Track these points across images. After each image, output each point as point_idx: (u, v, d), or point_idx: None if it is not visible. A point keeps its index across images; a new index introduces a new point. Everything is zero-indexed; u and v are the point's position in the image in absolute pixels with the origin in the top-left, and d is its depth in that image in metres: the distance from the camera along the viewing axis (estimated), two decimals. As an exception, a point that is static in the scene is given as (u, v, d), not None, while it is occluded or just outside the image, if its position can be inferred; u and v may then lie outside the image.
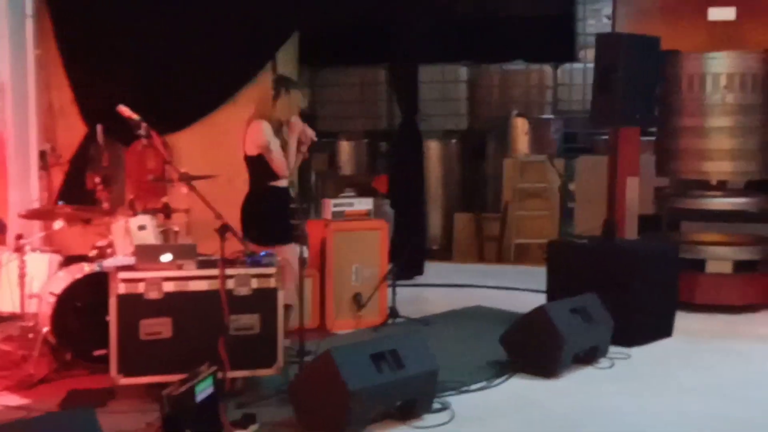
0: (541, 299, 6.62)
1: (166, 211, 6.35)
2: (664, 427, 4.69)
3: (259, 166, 5.47)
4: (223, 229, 4.47)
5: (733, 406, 5.00)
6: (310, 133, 5.72)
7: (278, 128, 5.53)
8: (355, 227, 6.77)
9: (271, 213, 5.49)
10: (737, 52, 7.39)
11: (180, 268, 4.88)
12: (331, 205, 6.77)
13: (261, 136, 5.40)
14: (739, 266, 7.42)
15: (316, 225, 6.72)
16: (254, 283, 4.96)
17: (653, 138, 8.12)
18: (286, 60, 8.12)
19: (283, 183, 5.54)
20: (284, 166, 5.47)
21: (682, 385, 5.42)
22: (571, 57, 11.21)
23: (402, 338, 4.91)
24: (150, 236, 5.65)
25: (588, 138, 10.82)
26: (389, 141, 9.71)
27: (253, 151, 5.45)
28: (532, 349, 5.53)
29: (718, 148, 7.45)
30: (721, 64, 7.39)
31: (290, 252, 5.36)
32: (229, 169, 6.93)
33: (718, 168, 7.51)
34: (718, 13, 7.32)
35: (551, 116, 10.80)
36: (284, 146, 5.52)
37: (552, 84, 11.00)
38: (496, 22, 11.14)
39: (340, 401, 4.34)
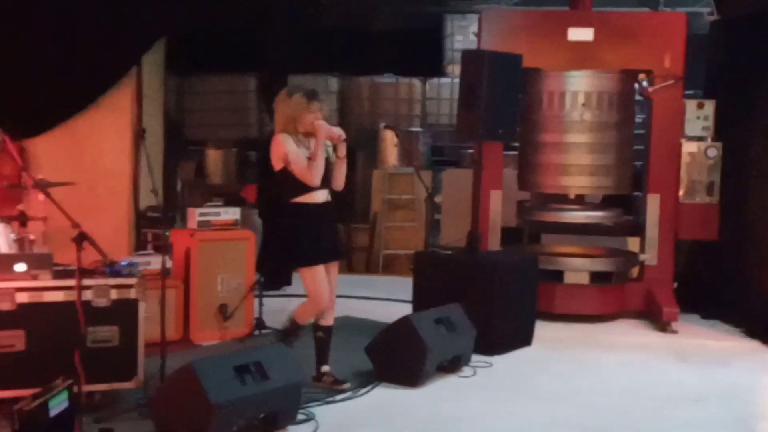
0: (407, 309, 6.70)
1: (22, 219, 6.10)
2: (522, 434, 4.83)
3: (286, 182, 5.20)
4: (80, 238, 4.32)
5: (583, 412, 5.19)
6: (337, 133, 5.31)
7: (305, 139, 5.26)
8: (221, 237, 6.68)
9: (291, 232, 5.25)
10: (595, 72, 7.72)
11: (35, 278, 4.70)
12: (197, 215, 6.66)
13: (279, 147, 5.16)
14: (595, 277, 7.73)
15: (181, 234, 6.60)
16: (113, 294, 4.82)
17: (516, 153, 8.38)
18: (152, 66, 7.96)
19: (316, 198, 5.23)
20: (310, 174, 5.12)
21: (539, 392, 5.60)
22: (440, 72, 11.45)
23: (267, 350, 4.89)
24: (3, 245, 5.41)
25: (455, 151, 11.06)
26: (259, 150, 9.64)
27: (277, 165, 5.20)
28: (397, 358, 5.59)
29: (577, 163, 7.74)
30: (579, 82, 7.70)
31: (316, 275, 5.25)
32: (90, 177, 6.73)
33: (577, 182, 7.80)
34: (578, 34, 7.61)
35: (419, 129, 10.98)
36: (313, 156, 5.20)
37: (420, 98, 11.19)
38: (367, 35, 11.26)
39: (202, 415, 4.26)
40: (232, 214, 6.82)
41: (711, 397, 5.58)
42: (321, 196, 5.25)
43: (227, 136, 10.82)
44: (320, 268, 5.27)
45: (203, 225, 6.65)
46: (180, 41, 8.25)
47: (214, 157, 10.66)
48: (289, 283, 8.77)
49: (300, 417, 4.83)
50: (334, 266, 5.45)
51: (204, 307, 6.57)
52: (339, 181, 5.36)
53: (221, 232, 6.70)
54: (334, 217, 5.48)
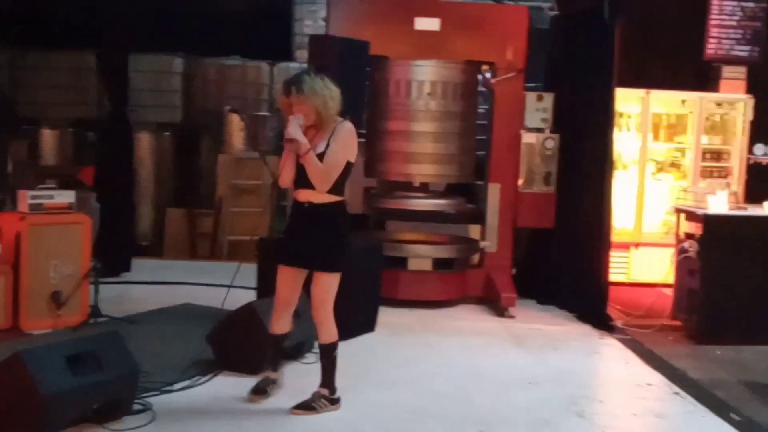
0: (252, 296, 6.62)
1: None
2: (366, 418, 4.86)
3: None
4: None
5: (424, 397, 5.29)
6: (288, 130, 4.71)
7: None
8: (54, 221, 6.38)
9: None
10: (440, 62, 7.84)
11: None
12: (28, 197, 6.33)
13: None
14: (438, 264, 7.88)
15: (10, 218, 6.27)
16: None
17: (363, 140, 8.39)
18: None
19: (298, 196, 4.83)
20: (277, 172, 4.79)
21: (382, 377, 5.66)
22: (289, 56, 11.34)
23: (101, 339, 4.71)
24: None
25: (303, 137, 10.96)
26: (97, 131, 9.26)
27: None
28: (239, 346, 5.51)
29: (422, 151, 7.85)
30: (425, 72, 7.80)
31: (278, 274, 4.94)
32: None
33: (421, 171, 7.91)
34: (424, 24, 7.70)
35: (267, 114, 10.85)
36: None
37: (268, 82, 11.06)
38: (215, 15, 11.00)
39: (32, 407, 4.08)
40: (67, 197, 6.53)
41: (546, 380, 5.80)
42: (301, 196, 4.81)
43: (64, 115, 10.33)
44: (282, 269, 4.96)
45: (35, 208, 6.33)
46: (12, 13, 7.80)
47: (49, 137, 10.17)
48: (128, 269, 8.49)
49: (136, 407, 4.68)
50: (316, 276, 4.89)
51: (35, 295, 6.27)
52: (312, 180, 4.72)
53: (54, 216, 6.40)
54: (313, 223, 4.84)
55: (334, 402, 4.95)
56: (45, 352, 4.34)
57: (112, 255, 7.92)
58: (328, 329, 4.91)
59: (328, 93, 4.71)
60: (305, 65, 7.79)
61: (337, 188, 4.76)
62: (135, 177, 9.25)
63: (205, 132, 10.74)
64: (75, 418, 4.37)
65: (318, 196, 4.76)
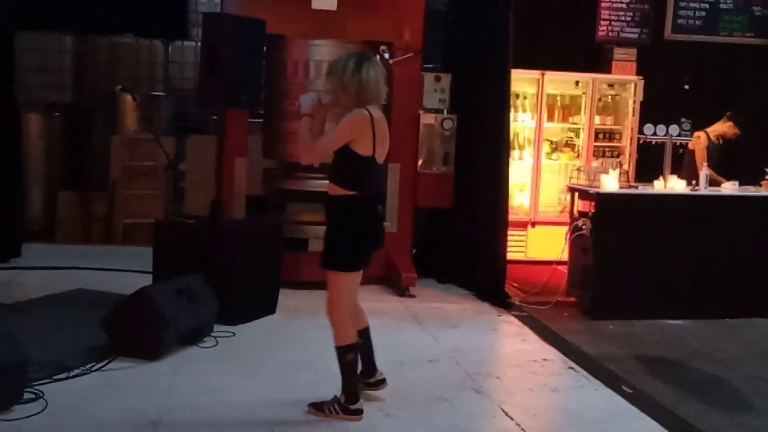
0: (149, 280, 6.47)
1: None
2: (257, 405, 4.81)
3: None
4: None
5: (323, 378, 5.22)
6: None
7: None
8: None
9: None
10: (338, 41, 7.77)
11: None
12: None
13: None
14: (338, 245, 7.84)
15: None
16: None
17: (261, 120, 8.30)
18: None
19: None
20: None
21: (280, 360, 5.63)
22: (184, 34, 11.09)
23: (-14, 327, 4.52)
24: None
25: (200, 117, 10.78)
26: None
27: None
28: (135, 331, 5.39)
29: (321, 132, 7.79)
30: (323, 51, 7.73)
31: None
32: None
33: (321, 151, 7.85)
34: (321, 3, 7.63)
35: (162, 93, 10.60)
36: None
37: (163, 61, 10.80)
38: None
39: None
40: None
41: (443, 357, 5.87)
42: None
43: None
44: None
45: None
46: None
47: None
48: (17, 254, 8.19)
49: (27, 396, 4.53)
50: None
51: None
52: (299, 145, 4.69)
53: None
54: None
55: (348, 411, 4.61)
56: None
57: (1, 239, 7.63)
58: (336, 330, 4.66)
59: (347, 77, 4.46)
60: (200, 44, 7.61)
61: (350, 181, 4.53)
62: (23, 159, 8.90)
63: (98, 112, 10.40)
64: (-40, 410, 4.21)
65: (331, 187, 4.61)
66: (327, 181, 7.02)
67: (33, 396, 4.57)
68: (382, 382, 4.97)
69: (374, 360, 4.96)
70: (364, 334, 4.89)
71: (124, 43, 10.59)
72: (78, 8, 10.24)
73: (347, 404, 4.61)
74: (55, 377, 4.90)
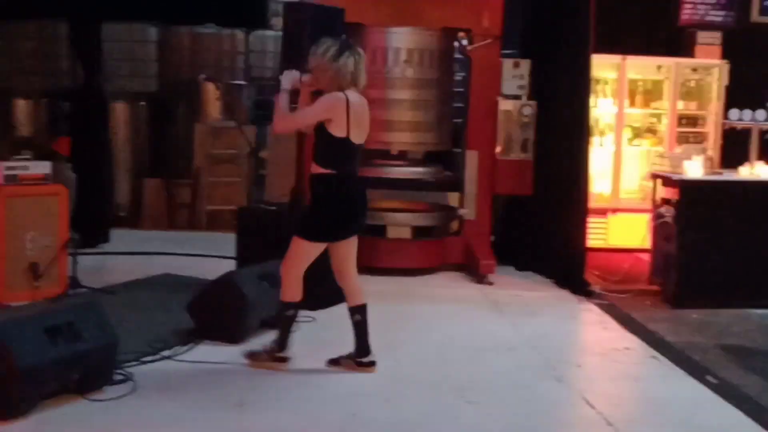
0: (232, 266, 6.61)
1: None
2: (344, 385, 4.90)
3: None
4: None
5: (402, 364, 5.33)
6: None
7: None
8: (30, 192, 6.33)
9: None
10: (417, 29, 7.80)
11: None
12: (3, 169, 6.27)
13: None
14: (417, 232, 7.89)
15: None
16: None
17: (340, 108, 8.36)
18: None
19: None
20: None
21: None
22: (264, 24, 11.22)
23: (80, 310, 4.69)
24: None
25: (280, 106, 10.88)
26: (70, 101, 9.15)
27: None
28: (219, 315, 5.51)
29: (399, 119, 7.83)
30: (402, 39, 7.76)
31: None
32: None
33: (399, 138, 7.90)
34: (401, -10, 7.66)
35: (243, 82, 10.76)
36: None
37: (244, 50, 10.95)
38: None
39: (9, 378, 4.08)
40: (42, 168, 6.47)
41: (523, 345, 5.85)
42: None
43: (37, 85, 10.19)
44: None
45: (10, 180, 6.28)
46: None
47: (22, 108, 10.04)
48: (106, 240, 8.45)
49: (117, 378, 4.68)
50: None
51: (12, 266, 6.23)
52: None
53: (30, 187, 6.35)
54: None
55: (276, 359, 5.05)
56: (22, 323, 4.33)
57: (90, 226, 7.89)
58: (285, 287, 5.04)
59: (326, 61, 4.80)
60: (280, 33, 7.71)
61: (325, 160, 4.86)
62: (111, 147, 9.16)
63: (181, 101, 10.63)
64: (55, 390, 4.36)
65: (312, 166, 4.91)
66: (404, 168, 7.24)
67: (122, 377, 4.72)
68: (372, 364, 5.12)
69: (368, 340, 5.13)
70: (361, 310, 5.13)
71: (206, 33, 10.77)
72: (161, 0, 10.46)
73: (277, 352, 5.07)
74: (142, 359, 5.05)
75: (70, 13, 8.44)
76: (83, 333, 4.40)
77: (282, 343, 5.07)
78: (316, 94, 4.94)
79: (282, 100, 4.91)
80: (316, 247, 5.00)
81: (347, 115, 4.77)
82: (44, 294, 6.34)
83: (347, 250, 5.11)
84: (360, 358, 5.10)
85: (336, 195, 4.90)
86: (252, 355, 5.12)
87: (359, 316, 5.10)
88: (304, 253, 4.98)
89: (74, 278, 6.53)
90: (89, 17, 8.26)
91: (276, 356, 5.07)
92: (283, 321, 5.07)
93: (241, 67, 10.90)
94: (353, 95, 4.82)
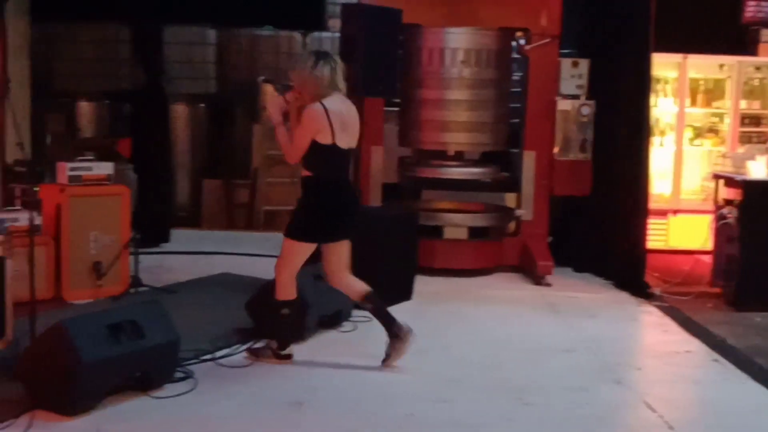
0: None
1: None
2: (399, 385, 4.90)
3: None
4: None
5: (457, 364, 5.32)
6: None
7: None
8: (93, 192, 6.46)
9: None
10: (474, 29, 7.77)
11: None
12: (67, 169, 6.41)
13: None
14: (473, 233, 7.86)
15: (50, 190, 6.34)
16: (-22, 252, 4.60)
17: (397, 108, 8.38)
18: (17, 15, 7.56)
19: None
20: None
21: (416, 345, 5.64)
22: (321, 26, 11.29)
23: (142, 308, 4.78)
24: None
25: (336, 107, 10.95)
26: (132, 103, 9.32)
27: None
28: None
29: (456, 120, 7.82)
30: (459, 39, 7.74)
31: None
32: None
33: (456, 139, 7.89)
34: (458, -10, 7.64)
35: (300, 84, 10.82)
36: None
37: (301, 51, 11.02)
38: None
39: (73, 374, 4.17)
40: (105, 168, 6.60)
41: (582, 347, 5.79)
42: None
43: (99, 87, 10.39)
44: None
45: (74, 180, 6.41)
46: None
47: (85, 110, 10.24)
48: (166, 239, 8.59)
49: (177, 375, 4.75)
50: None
51: (76, 265, 6.36)
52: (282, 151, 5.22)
53: (93, 188, 6.48)
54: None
55: (279, 356, 5.16)
56: (87, 320, 4.42)
57: (151, 225, 8.02)
58: (279, 286, 5.15)
59: (306, 73, 4.96)
60: (338, 34, 7.76)
61: (312, 165, 5.02)
62: (171, 148, 9.31)
63: (239, 103, 10.75)
64: (118, 386, 4.44)
65: (303, 170, 5.09)
66: (461, 169, 7.28)
67: (183, 375, 4.79)
68: (410, 331, 5.17)
69: (391, 315, 5.18)
70: (370, 297, 5.21)
71: (263, 35, 10.88)
72: (220, 2, 10.59)
73: (279, 350, 5.17)
74: (202, 357, 5.12)
75: (133, 17, 8.59)
76: (145, 331, 4.47)
77: (281, 340, 5.17)
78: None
79: (280, 136, 5.08)
80: (305, 247, 5.12)
81: (329, 123, 4.91)
82: (107, 292, 6.46)
83: (339, 253, 5.19)
84: (396, 334, 5.13)
85: (322, 198, 5.07)
86: (254, 351, 5.22)
87: (370, 304, 5.21)
88: (294, 253, 5.10)
89: (136, 277, 6.65)
90: (151, 20, 8.40)
91: (280, 354, 5.16)
92: (280, 319, 5.15)
93: (298, 68, 10.96)
94: (334, 102, 4.96)
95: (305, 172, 5.06)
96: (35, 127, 8.08)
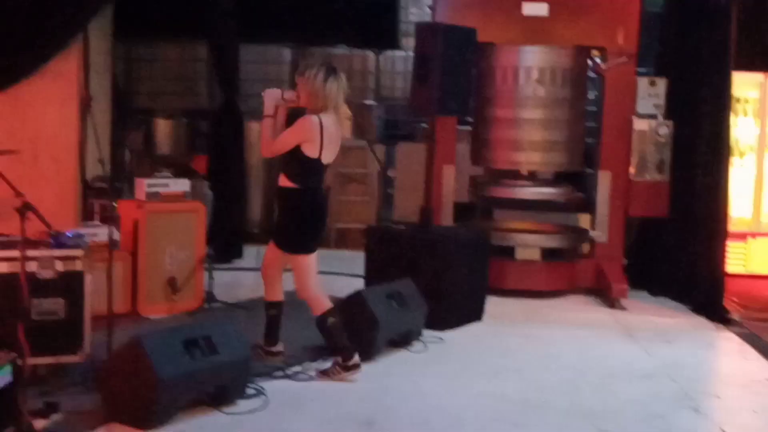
0: (359, 284, 6.67)
1: (-37, 188, 5.91)
2: (467, 408, 4.84)
3: None
4: (24, 208, 4.19)
5: (529, 387, 5.23)
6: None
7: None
8: (170, 209, 6.56)
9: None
10: (549, 47, 7.71)
11: (-24, 249, 4.56)
12: (145, 185, 6.52)
13: None
14: (546, 254, 7.77)
15: (129, 206, 6.46)
16: (59, 266, 4.72)
17: (469, 127, 8.35)
18: (100, 33, 7.76)
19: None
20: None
21: (487, 367, 5.62)
22: (394, 44, 11.35)
23: (216, 324, 4.84)
24: (-57, 215, 5.24)
25: (409, 125, 10.99)
26: (209, 120, 9.49)
27: None
28: (348, 333, 5.54)
29: (530, 139, 7.75)
30: (533, 58, 7.68)
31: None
32: (33, 146, 6.55)
33: (529, 158, 7.82)
34: (533, 9, 7.58)
35: (373, 102, 10.90)
36: None
37: (374, 70, 11.09)
38: (321, 4, 11.09)
39: (149, 389, 4.22)
40: (182, 185, 6.71)
41: (658, 373, 5.66)
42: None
43: (177, 105, 10.60)
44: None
45: (152, 196, 6.52)
46: (128, 7, 8.05)
47: (163, 127, 10.43)
48: (239, 256, 8.68)
49: (250, 392, 4.78)
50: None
51: (152, 280, 6.46)
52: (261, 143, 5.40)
53: (170, 204, 6.58)
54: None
55: (348, 369, 5.17)
56: (163, 336, 4.48)
57: (225, 242, 8.12)
58: (312, 303, 5.27)
59: (313, 82, 5.11)
60: (411, 53, 7.78)
61: (297, 176, 5.17)
62: (245, 165, 9.42)
63: (312, 121, 10.84)
64: (191, 401, 4.49)
65: (281, 179, 5.25)
66: (534, 189, 7.22)
67: (255, 392, 4.82)
68: (280, 353, 5.42)
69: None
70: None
71: (337, 53, 10.97)
72: (295, 22, 10.72)
73: (345, 362, 5.17)
74: (274, 374, 5.14)
75: (210, 36, 8.74)
76: (219, 347, 4.52)
77: (344, 351, 5.20)
78: (292, 111, 5.28)
79: (266, 127, 5.21)
80: (311, 257, 5.26)
81: (321, 137, 5.08)
82: (181, 307, 6.54)
83: (311, 263, 5.29)
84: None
85: (310, 208, 5.26)
86: (325, 372, 5.24)
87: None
88: (306, 266, 5.25)
89: (210, 293, 6.73)
90: (228, 39, 8.53)
91: (348, 366, 5.18)
92: (330, 332, 5.22)
93: (371, 87, 11.04)
94: (328, 119, 5.14)
95: (286, 183, 5.20)
96: (114, 143, 8.27)
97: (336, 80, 5.15)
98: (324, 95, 5.11)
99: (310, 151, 5.10)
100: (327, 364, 5.28)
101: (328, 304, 5.25)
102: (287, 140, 5.13)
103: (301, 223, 5.25)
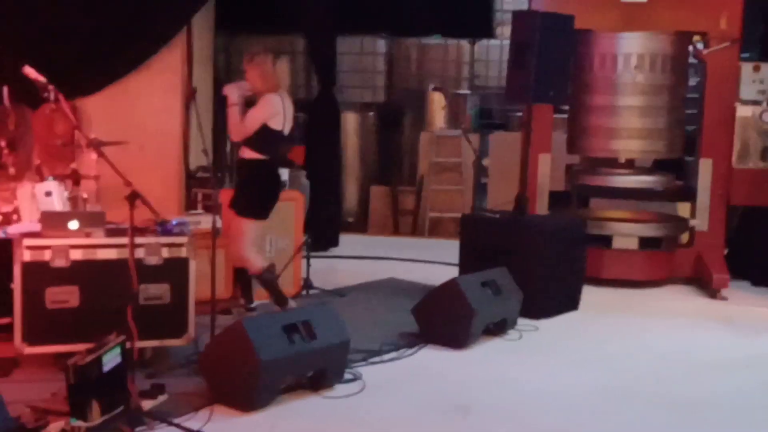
0: (453, 272, 6.70)
1: (75, 178, 6.19)
2: (558, 396, 4.83)
3: None
4: (133, 196, 4.37)
5: (625, 377, 5.18)
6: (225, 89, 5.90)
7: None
8: (269, 198, 6.70)
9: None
10: (648, 33, 7.57)
11: (88, 235, 4.77)
12: (245, 175, 6.69)
13: None
14: (644, 243, 7.64)
15: (230, 195, 6.63)
16: (165, 253, 4.89)
17: (565, 115, 8.27)
18: (203, 26, 7.98)
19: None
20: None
21: (583, 356, 5.58)
22: (489, 33, 11.30)
23: (315, 309, 4.94)
24: (57, 203, 5.50)
25: (503, 114, 10.95)
26: (306, 112, 9.66)
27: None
28: (443, 320, 5.60)
29: (627, 126, 7.63)
30: (632, 44, 7.56)
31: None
32: (140, 136, 6.80)
33: (627, 146, 7.70)
34: (632, -6, 7.46)
35: (468, 92, 10.89)
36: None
37: (469, 59, 11.07)
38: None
39: (250, 371, 4.34)
40: (281, 175, 6.84)
41: (761, 363, 5.53)
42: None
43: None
44: None
45: (252, 185, 6.66)
46: (228, 1, 8.25)
47: (261, 119, 10.67)
48: (336, 244, 8.82)
49: (347, 376, 4.88)
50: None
51: (252, 267, 6.61)
52: (228, 128, 5.81)
53: (270, 193, 6.72)
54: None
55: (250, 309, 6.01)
56: (264, 320, 4.61)
57: (321, 230, 8.26)
58: (249, 263, 5.83)
59: (267, 67, 5.73)
60: (506, 42, 7.74)
61: (260, 147, 5.67)
62: (341, 156, 9.56)
63: (407, 110, 10.91)
64: (291, 384, 4.61)
65: (244, 151, 5.73)
66: (632, 177, 7.15)
67: (351, 377, 4.91)
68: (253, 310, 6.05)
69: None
70: (272, 269, 5.91)
71: (432, 43, 11.00)
72: (390, 12, 10.78)
73: (283, 305, 5.79)
74: (370, 359, 5.23)
75: (308, 28, 8.88)
76: (318, 332, 4.62)
77: (280, 299, 5.82)
78: (247, 100, 5.76)
79: (234, 114, 5.67)
80: (260, 224, 5.81)
81: (283, 111, 5.68)
82: (280, 293, 6.68)
83: (257, 229, 5.85)
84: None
85: (269, 177, 5.81)
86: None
87: (269, 274, 5.84)
88: (252, 230, 5.77)
89: (307, 279, 6.87)
90: (325, 32, 8.66)
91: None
92: (267, 285, 5.85)
93: (465, 76, 11.04)
94: (283, 94, 5.77)
95: (251, 154, 5.67)
96: (217, 134, 8.49)
97: (281, 63, 5.66)
98: (275, 75, 5.79)
99: (275, 124, 5.66)
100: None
101: (264, 262, 5.82)
102: (256, 117, 5.61)
103: (261, 191, 5.79)
